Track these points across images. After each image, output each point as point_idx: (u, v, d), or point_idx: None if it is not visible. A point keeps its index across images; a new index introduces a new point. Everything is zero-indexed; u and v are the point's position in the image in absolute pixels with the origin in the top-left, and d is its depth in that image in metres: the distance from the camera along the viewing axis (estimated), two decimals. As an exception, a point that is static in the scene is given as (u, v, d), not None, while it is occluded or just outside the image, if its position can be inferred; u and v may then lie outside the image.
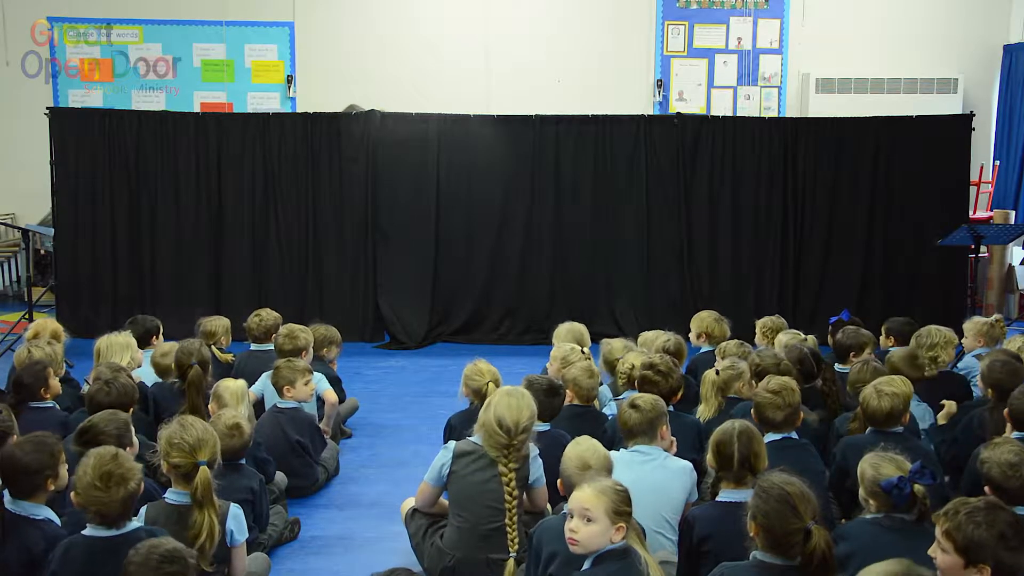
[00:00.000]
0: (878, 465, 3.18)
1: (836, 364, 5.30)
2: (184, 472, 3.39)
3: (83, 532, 3.10)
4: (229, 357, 5.83)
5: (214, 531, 3.29)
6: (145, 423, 4.47)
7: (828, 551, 2.70)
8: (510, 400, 3.67)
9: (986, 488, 3.27)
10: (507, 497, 3.61)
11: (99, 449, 3.15)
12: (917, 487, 3.10)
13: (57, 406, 4.61)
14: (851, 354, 5.33)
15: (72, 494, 3.07)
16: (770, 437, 3.86)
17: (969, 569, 2.65)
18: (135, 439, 3.76)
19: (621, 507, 2.93)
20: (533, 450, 3.80)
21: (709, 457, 3.45)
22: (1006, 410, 3.99)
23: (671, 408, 4.43)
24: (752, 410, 4.00)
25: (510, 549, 3.58)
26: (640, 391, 4.34)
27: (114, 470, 3.04)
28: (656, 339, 5.49)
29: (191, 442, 3.41)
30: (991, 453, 3.29)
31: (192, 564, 2.72)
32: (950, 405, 4.65)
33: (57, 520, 3.38)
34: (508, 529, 3.60)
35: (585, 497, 2.94)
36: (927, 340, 5.20)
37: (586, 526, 2.91)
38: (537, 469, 3.80)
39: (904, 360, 4.85)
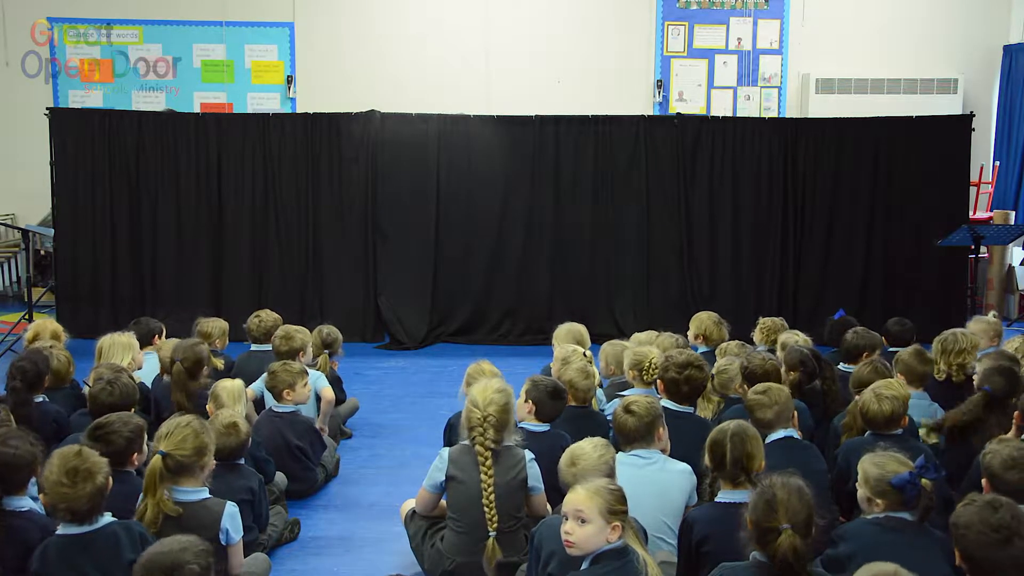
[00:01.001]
0: (883, 463, 3.20)
1: (841, 364, 5.29)
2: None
3: (56, 531, 3.10)
4: (219, 363, 5.70)
5: (146, 519, 3.29)
6: (145, 423, 4.47)
7: (794, 558, 2.69)
8: (479, 384, 3.84)
9: (983, 480, 3.28)
10: (483, 478, 3.63)
11: (63, 448, 3.16)
12: (924, 481, 3.12)
13: (46, 399, 4.62)
14: (864, 355, 5.23)
15: (41, 496, 3.07)
16: (772, 437, 3.86)
17: (955, 546, 2.75)
18: (145, 447, 3.75)
19: (615, 506, 2.93)
20: (528, 454, 3.81)
21: (705, 458, 3.45)
22: (1016, 412, 3.97)
23: (691, 409, 4.45)
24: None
25: (489, 528, 3.62)
26: (672, 389, 4.33)
27: (79, 465, 3.05)
28: (649, 340, 5.48)
29: (161, 432, 3.45)
30: (996, 447, 3.31)
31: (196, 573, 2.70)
32: (930, 422, 4.56)
33: (41, 509, 3.39)
34: (486, 509, 3.62)
35: (578, 499, 2.94)
36: (954, 346, 4.99)
37: (581, 527, 2.91)
38: (534, 475, 3.80)
39: (913, 356, 4.80)
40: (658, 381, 4.48)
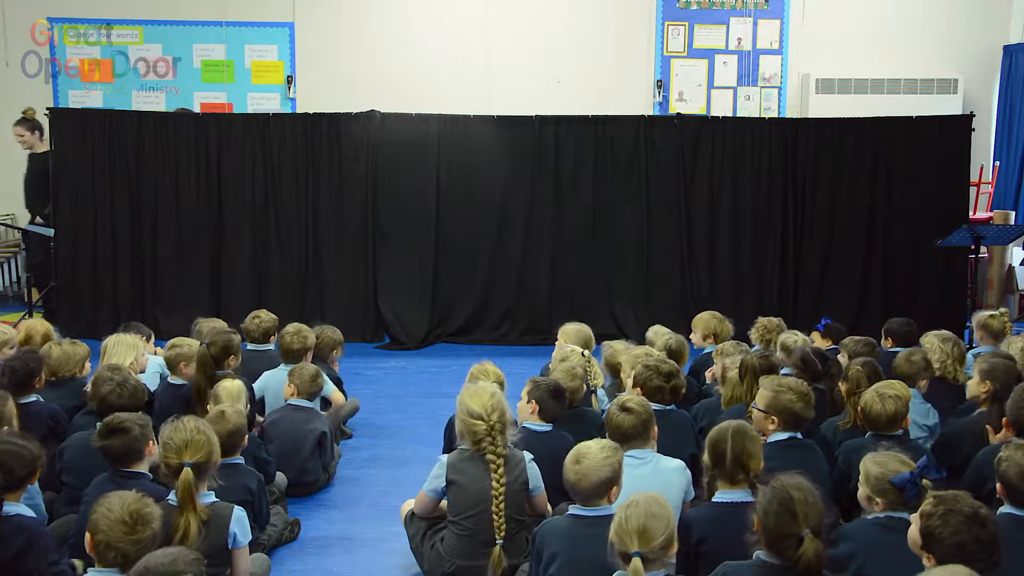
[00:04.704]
0: (885, 463, 3.21)
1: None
2: (175, 472, 3.40)
3: (88, 573, 2.97)
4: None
5: (190, 534, 3.26)
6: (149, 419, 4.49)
7: (817, 561, 2.71)
8: (470, 392, 3.82)
9: (998, 486, 3.23)
10: (495, 485, 3.63)
11: (121, 492, 3.02)
12: (925, 481, 3.12)
13: (41, 399, 4.60)
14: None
15: (88, 538, 2.91)
16: (776, 436, 3.87)
17: (924, 551, 2.74)
18: (154, 441, 3.74)
19: None
20: (527, 455, 3.82)
21: (705, 456, 3.46)
22: (1005, 418, 3.96)
23: (672, 407, 4.45)
24: (773, 410, 3.96)
25: (497, 537, 3.62)
26: (653, 396, 4.33)
27: (141, 509, 2.92)
28: (658, 337, 5.54)
29: (178, 443, 3.42)
30: (1011, 453, 3.23)
31: None
32: None
33: (29, 512, 3.37)
34: (495, 516, 3.62)
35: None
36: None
37: None
38: (535, 476, 3.81)
39: (902, 358, 4.85)
40: (638, 388, 4.43)
